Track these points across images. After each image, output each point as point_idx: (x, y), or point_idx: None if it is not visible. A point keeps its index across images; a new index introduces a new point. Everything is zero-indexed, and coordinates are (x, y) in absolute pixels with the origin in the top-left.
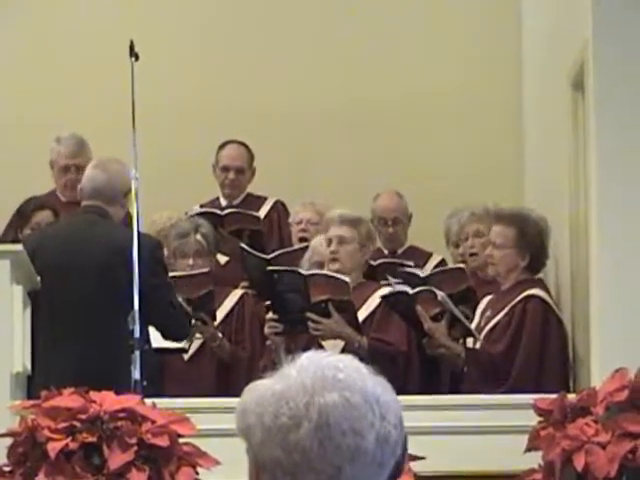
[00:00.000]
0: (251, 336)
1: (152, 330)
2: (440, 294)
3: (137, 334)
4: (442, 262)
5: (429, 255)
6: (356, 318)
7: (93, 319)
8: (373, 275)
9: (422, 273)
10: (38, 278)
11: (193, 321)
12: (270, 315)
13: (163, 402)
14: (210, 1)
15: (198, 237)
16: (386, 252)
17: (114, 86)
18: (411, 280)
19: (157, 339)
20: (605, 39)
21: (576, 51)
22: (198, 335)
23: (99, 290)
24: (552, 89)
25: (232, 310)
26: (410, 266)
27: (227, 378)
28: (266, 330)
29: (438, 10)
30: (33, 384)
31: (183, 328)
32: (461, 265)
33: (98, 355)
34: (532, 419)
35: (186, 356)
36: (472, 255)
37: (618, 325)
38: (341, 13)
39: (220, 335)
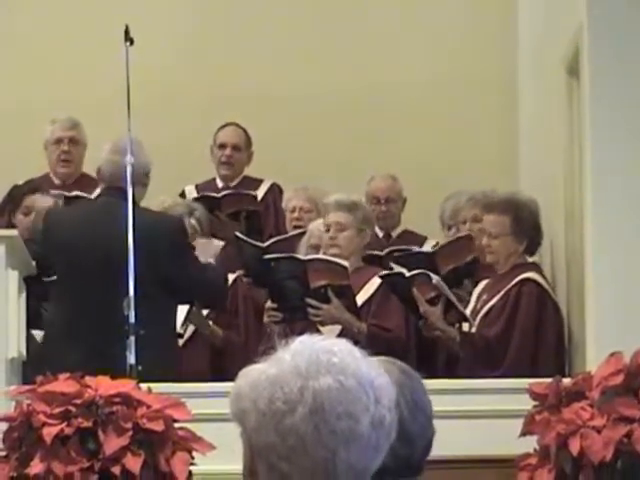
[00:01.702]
0: (245, 320)
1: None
2: (435, 278)
3: (132, 319)
4: (435, 246)
5: (424, 239)
6: (355, 303)
7: (113, 303)
8: (376, 262)
9: (429, 249)
10: (56, 258)
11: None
12: (269, 304)
13: (158, 387)
14: None
15: (192, 221)
16: (381, 234)
17: (109, 71)
18: (415, 259)
19: None
20: (600, 24)
21: (571, 36)
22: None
23: (120, 275)
24: (547, 74)
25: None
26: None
27: (222, 363)
28: (265, 319)
29: None
30: (44, 367)
31: (223, 295)
32: (469, 232)
33: (115, 341)
34: (527, 403)
35: (180, 341)
36: None
37: (613, 309)
38: (336, 1)
39: (210, 323)
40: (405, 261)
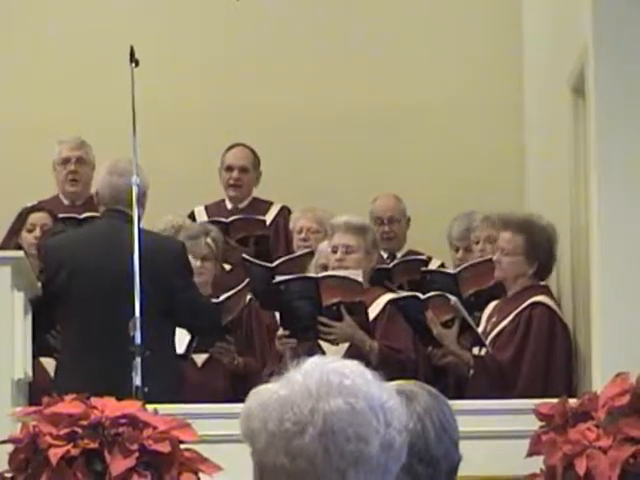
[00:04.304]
0: (261, 342)
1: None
2: (453, 299)
3: (138, 341)
4: (442, 267)
5: (428, 259)
6: (368, 320)
7: (121, 325)
8: (383, 277)
9: (452, 270)
10: (61, 282)
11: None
12: (281, 331)
13: (165, 408)
14: (210, 6)
15: (208, 240)
16: (385, 255)
17: (114, 92)
18: (437, 279)
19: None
20: (605, 44)
21: (576, 56)
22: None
23: (124, 297)
24: (553, 94)
25: (240, 317)
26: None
27: (240, 384)
28: (278, 346)
29: (439, 15)
30: (56, 388)
31: (216, 325)
32: (492, 256)
33: (126, 363)
34: (533, 424)
35: (199, 362)
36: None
37: (619, 329)
38: (344, 18)
39: (236, 356)
40: (426, 283)
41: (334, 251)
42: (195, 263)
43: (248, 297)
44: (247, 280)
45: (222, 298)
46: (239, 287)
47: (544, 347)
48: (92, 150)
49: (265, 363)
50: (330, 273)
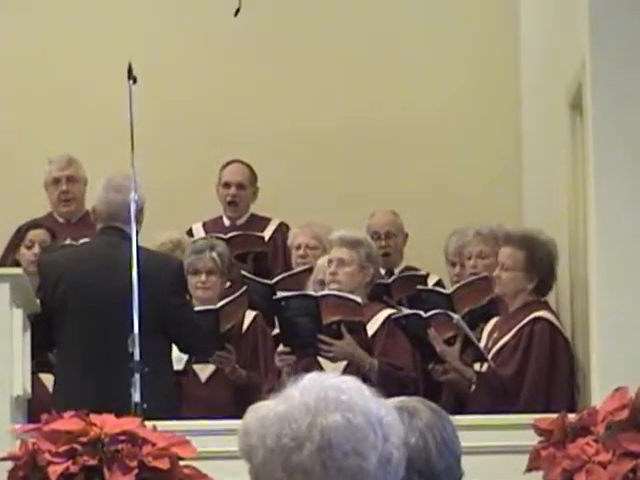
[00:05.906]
0: (265, 358)
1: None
2: (456, 317)
3: (137, 357)
4: (439, 282)
5: (426, 275)
6: (367, 339)
7: (118, 341)
8: (382, 291)
9: (446, 290)
10: (58, 300)
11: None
12: (281, 348)
13: (164, 424)
14: (209, 22)
15: (214, 255)
16: (382, 271)
17: (112, 108)
18: (432, 300)
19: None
20: (603, 60)
21: (574, 72)
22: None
23: (122, 313)
24: (550, 109)
25: (246, 331)
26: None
27: (244, 399)
28: (278, 363)
29: (436, 29)
30: (54, 404)
31: (211, 344)
32: (486, 274)
33: (122, 379)
34: (533, 439)
35: (203, 378)
36: (473, 275)
37: (618, 344)
38: (339, 33)
39: (237, 367)
40: (421, 301)
41: (329, 265)
42: (200, 277)
43: (254, 313)
44: (244, 288)
45: (220, 304)
46: (236, 294)
47: (546, 362)
48: (82, 165)
49: (268, 378)
50: (329, 292)
